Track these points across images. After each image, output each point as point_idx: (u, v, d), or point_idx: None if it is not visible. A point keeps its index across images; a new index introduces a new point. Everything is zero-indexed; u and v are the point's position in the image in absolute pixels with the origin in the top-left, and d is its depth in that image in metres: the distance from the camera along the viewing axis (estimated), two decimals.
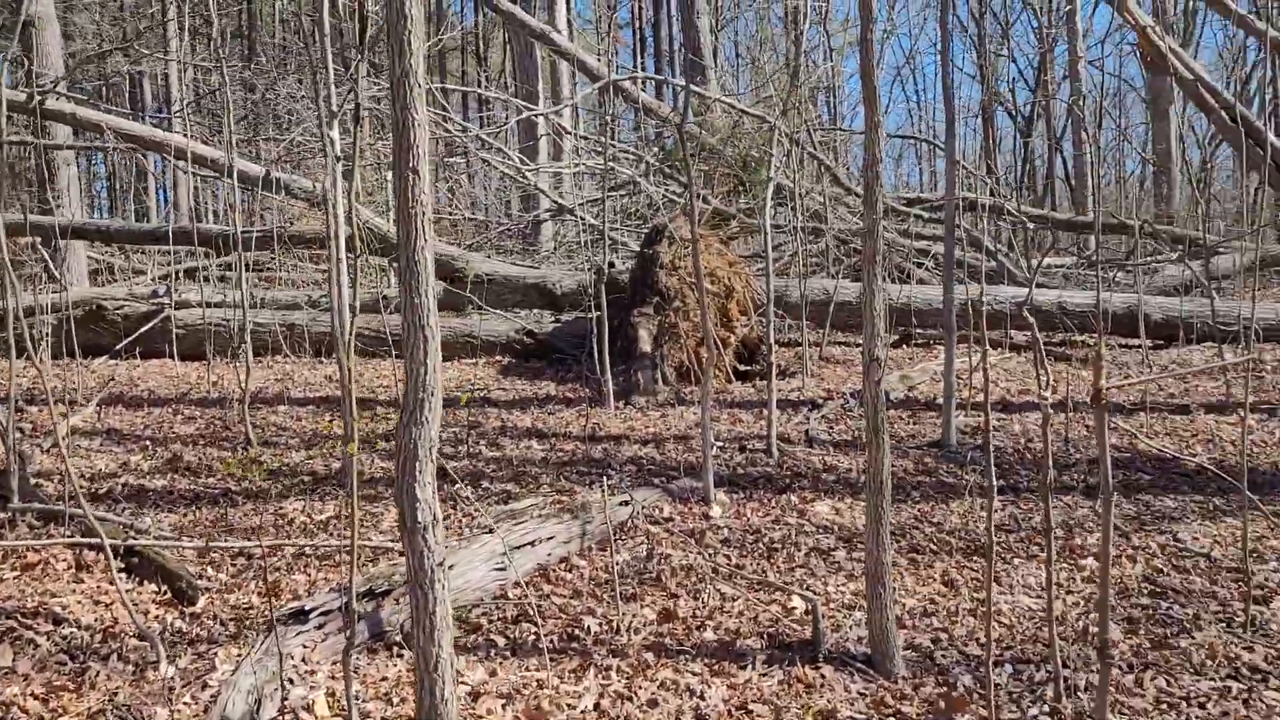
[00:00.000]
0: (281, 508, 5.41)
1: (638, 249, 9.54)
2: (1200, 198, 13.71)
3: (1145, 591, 4.40)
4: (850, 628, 4.00)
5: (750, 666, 3.65)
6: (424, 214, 2.74)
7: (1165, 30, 21.59)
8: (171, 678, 3.46)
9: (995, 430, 7.03)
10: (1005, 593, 4.39)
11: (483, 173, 15.54)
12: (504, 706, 3.34)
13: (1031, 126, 32.11)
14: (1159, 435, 6.97)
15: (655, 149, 14.22)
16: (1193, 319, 10.32)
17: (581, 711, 3.32)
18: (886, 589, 3.67)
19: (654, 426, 7.21)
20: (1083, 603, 4.28)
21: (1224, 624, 4.05)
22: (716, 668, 3.64)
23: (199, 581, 4.25)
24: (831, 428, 7.08)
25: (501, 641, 3.84)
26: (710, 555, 4.72)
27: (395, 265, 8.68)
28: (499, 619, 4.05)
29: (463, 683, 3.45)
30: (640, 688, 3.47)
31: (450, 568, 4.01)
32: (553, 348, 9.51)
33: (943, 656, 3.77)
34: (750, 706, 3.39)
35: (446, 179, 14.99)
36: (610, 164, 12.28)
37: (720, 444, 6.61)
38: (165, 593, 4.17)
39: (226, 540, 4.85)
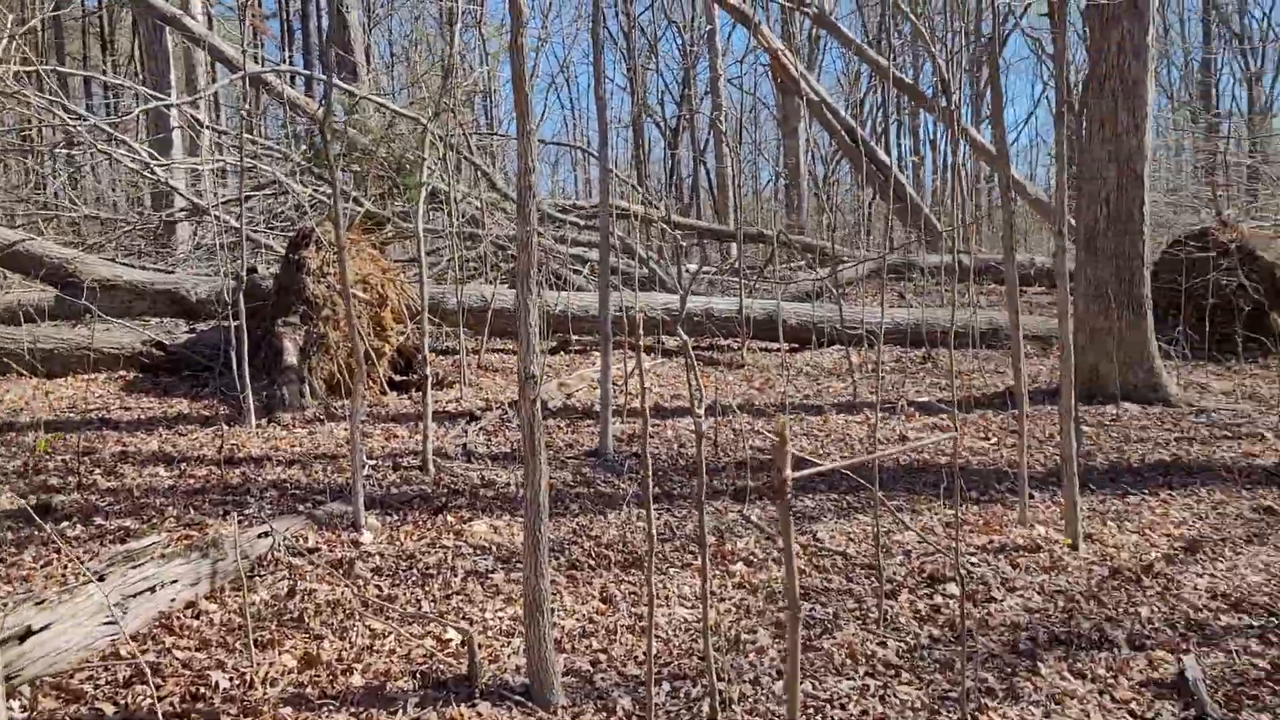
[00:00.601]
0: None
1: (284, 253, 8.93)
2: (825, 209, 14.80)
3: (804, 595, 4.55)
4: (509, 657, 3.83)
5: (401, 711, 3.39)
6: None
7: (794, 53, 23.26)
8: None
9: (650, 437, 7.14)
10: (662, 605, 4.40)
11: (112, 168, 14.08)
12: None
13: (678, 138, 33.62)
14: (797, 436, 7.36)
15: (304, 147, 13.46)
16: (824, 324, 11.10)
17: None
18: (545, 616, 3.54)
19: (300, 446, 6.72)
20: (735, 609, 4.37)
21: (860, 621, 4.27)
22: (364, 716, 3.35)
23: None
24: (490, 440, 6.91)
25: (110, 709, 3.34)
26: (360, 588, 4.40)
27: None
28: (108, 682, 3.53)
29: None
30: None
31: (44, 629, 3.46)
32: (187, 361, 8.69)
33: (602, 679, 3.69)
34: None
35: (58, 173, 13.43)
36: (252, 162, 11.47)
37: (373, 462, 6.26)
38: None
39: None
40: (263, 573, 4.56)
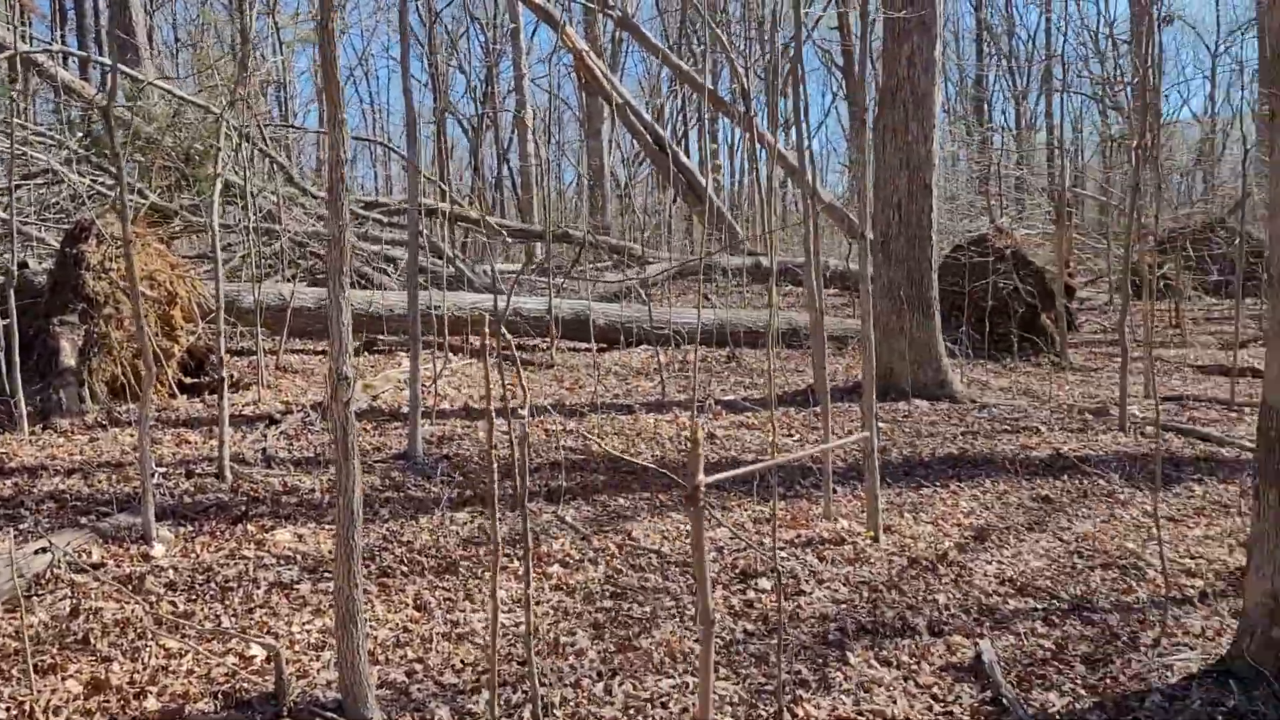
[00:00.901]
0: None
1: (57, 247, 8.28)
2: (627, 211, 14.96)
3: (608, 594, 4.55)
4: (319, 671, 3.66)
5: None
6: None
7: (598, 55, 23.42)
8: None
9: (460, 438, 7.01)
10: (478, 610, 4.31)
11: None
12: None
13: (480, 137, 33.27)
14: (610, 435, 7.39)
15: (80, 135, 12.57)
16: (631, 324, 11.20)
17: None
18: (359, 627, 3.39)
19: (81, 453, 6.24)
20: (553, 612, 4.32)
21: (678, 619, 4.30)
22: None
23: None
24: (292, 444, 6.61)
25: None
26: (152, 604, 4.11)
27: None
28: None
29: None
30: None
31: None
32: None
33: (419, 690, 3.58)
34: None
35: None
36: (23, 149, 10.61)
37: (164, 470, 5.88)
38: None
39: None
40: (41, 592, 4.20)
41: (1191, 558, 5.35)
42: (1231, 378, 9.96)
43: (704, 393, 9.03)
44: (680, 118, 33.12)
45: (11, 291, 6.69)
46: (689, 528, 5.51)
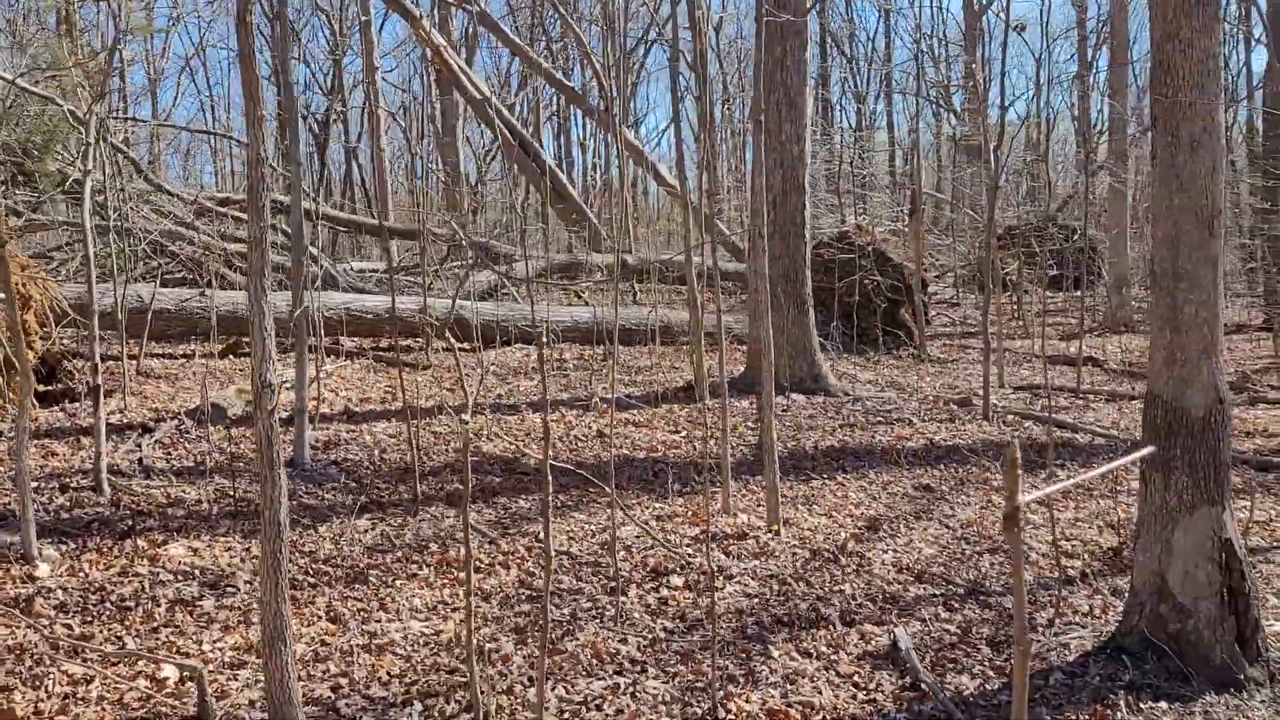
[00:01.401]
0: None
1: None
2: (480, 209, 14.84)
3: (524, 597, 4.52)
4: (240, 691, 3.52)
5: None
6: None
7: (453, 50, 23.10)
8: None
9: (347, 443, 6.83)
10: (395, 619, 4.22)
11: None
12: None
13: (327, 132, 32.33)
14: (498, 436, 7.32)
15: None
16: (507, 323, 11.10)
17: None
18: (287, 645, 3.27)
19: None
20: (472, 618, 4.25)
21: (598, 619, 4.30)
22: None
23: None
24: (170, 454, 6.31)
25: None
26: (47, 628, 3.87)
27: None
28: None
29: None
30: None
31: None
32: None
33: (347, 706, 3.48)
34: None
35: None
36: None
37: (34, 484, 5.53)
38: None
39: None
40: None
41: (1067, 539, 5.66)
42: (1077, 368, 10.56)
43: (587, 391, 9.04)
44: (530, 113, 32.94)
45: None
46: (593, 528, 5.52)
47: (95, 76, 11.46)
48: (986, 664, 4.04)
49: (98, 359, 5.52)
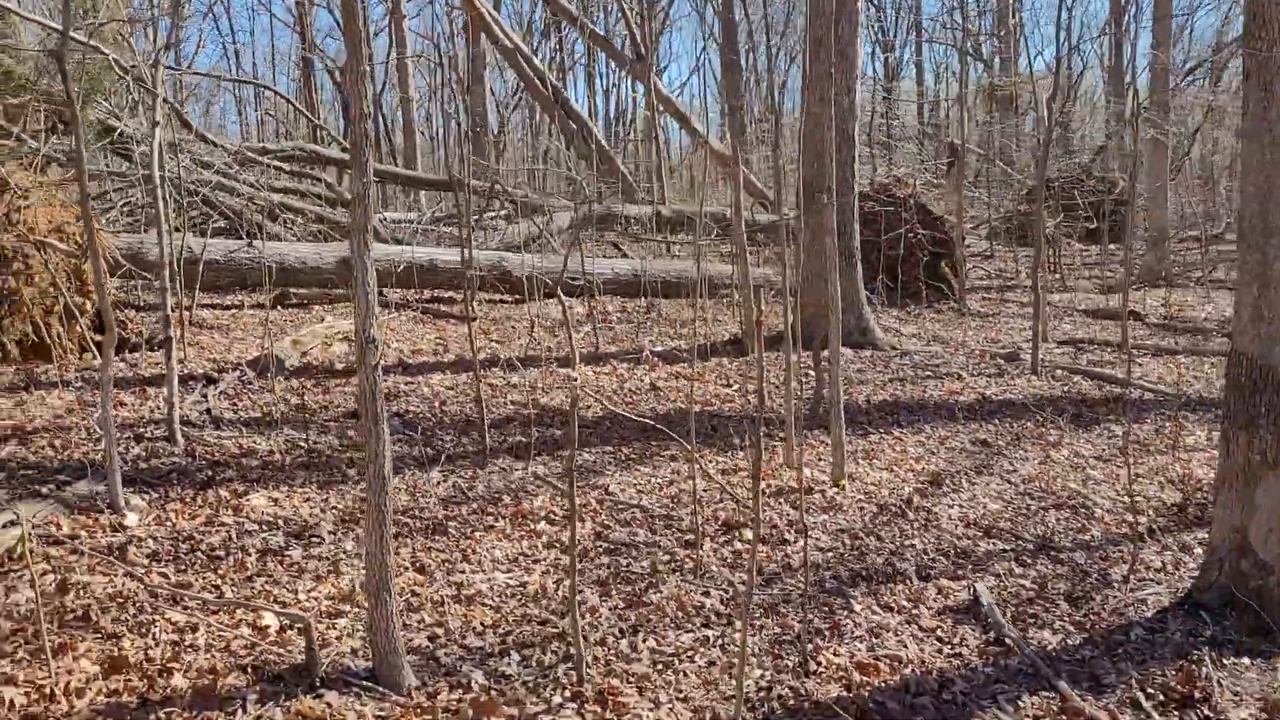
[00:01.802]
0: None
1: None
2: (501, 158, 14.75)
3: (602, 550, 4.57)
4: (339, 640, 3.58)
5: (241, 710, 3.09)
6: None
7: None
8: None
9: (406, 394, 6.88)
10: (478, 570, 4.28)
11: None
12: None
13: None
14: (552, 390, 7.35)
15: None
16: (548, 275, 11.09)
17: None
18: (392, 597, 3.33)
19: (10, 417, 5.89)
20: (554, 570, 4.31)
21: (677, 572, 4.35)
22: None
23: None
24: (235, 405, 6.37)
25: None
26: (144, 577, 3.94)
27: None
28: None
29: None
30: None
31: None
32: None
33: (446, 655, 3.54)
34: None
35: None
36: None
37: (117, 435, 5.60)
38: None
39: None
40: (16, 568, 3.98)
41: (1130, 496, 5.67)
42: (1123, 322, 10.49)
43: (632, 343, 9.06)
44: (557, 64, 32.67)
45: None
46: (658, 481, 5.56)
47: (139, 25, 11.42)
48: (1066, 619, 4.08)
49: (169, 311, 5.56)
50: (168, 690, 3.16)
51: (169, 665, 3.29)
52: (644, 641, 3.69)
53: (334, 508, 4.84)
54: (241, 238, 10.37)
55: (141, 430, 5.68)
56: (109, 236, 8.08)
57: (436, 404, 6.75)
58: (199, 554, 4.22)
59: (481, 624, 3.76)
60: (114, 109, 11.61)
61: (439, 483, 5.29)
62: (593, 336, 9.15)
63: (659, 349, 8.76)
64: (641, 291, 11.16)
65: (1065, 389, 8.18)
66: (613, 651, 3.61)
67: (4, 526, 4.09)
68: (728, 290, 11.08)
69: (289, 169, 12.69)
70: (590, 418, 6.68)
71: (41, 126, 11.97)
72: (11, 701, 3.02)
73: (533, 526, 4.76)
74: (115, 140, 11.23)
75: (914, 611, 4.08)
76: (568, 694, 3.28)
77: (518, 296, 10.95)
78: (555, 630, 3.72)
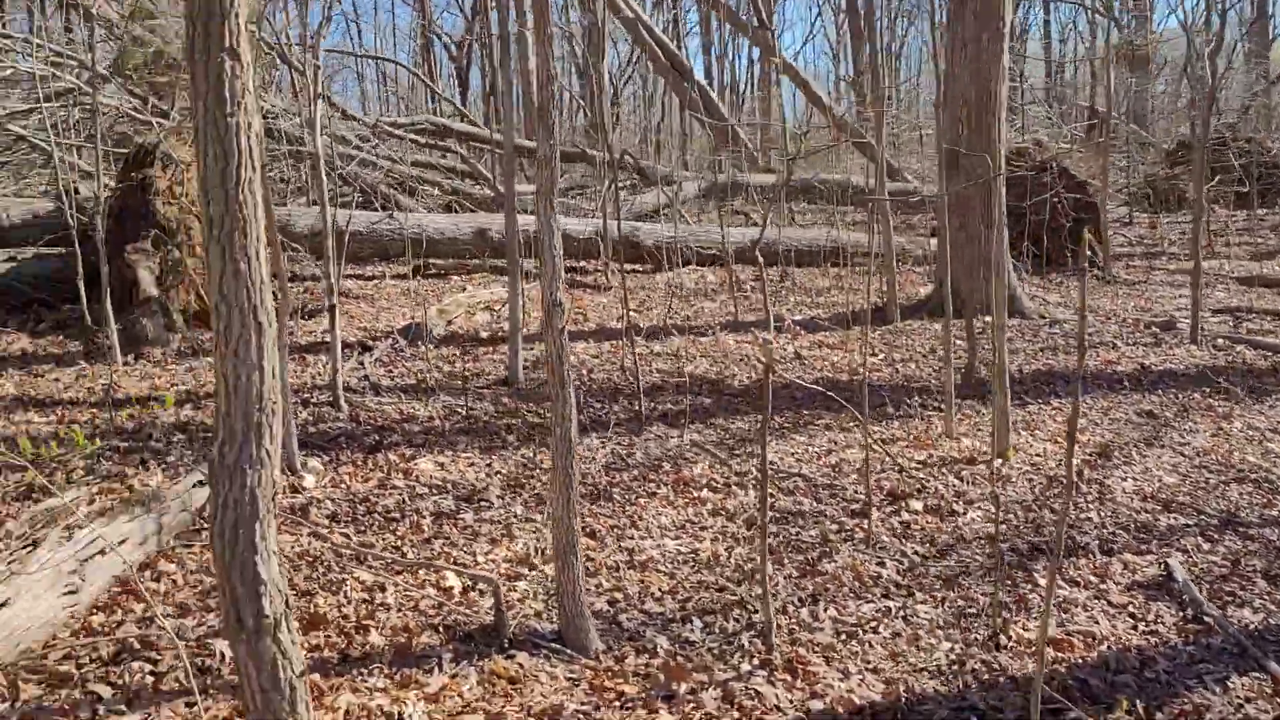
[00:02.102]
0: None
1: (118, 172, 8.00)
2: (617, 128, 14.66)
3: (770, 519, 4.51)
4: (522, 602, 3.61)
5: (438, 668, 3.14)
6: None
7: None
8: None
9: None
10: (647, 536, 4.27)
11: None
12: None
13: (465, 53, 32.22)
14: (696, 358, 7.31)
15: (116, 55, 12.13)
16: (679, 243, 11.05)
17: None
18: (578, 560, 3.34)
19: (184, 383, 6.11)
20: (722, 537, 4.28)
21: (849, 542, 4.27)
22: (400, 678, 3.07)
23: None
24: (390, 372, 6.50)
25: (108, 692, 2.92)
26: (327, 536, 4.04)
27: None
28: (93, 660, 3.09)
29: None
30: None
31: (2, 605, 2.99)
32: (10, 293, 7.71)
33: (627, 620, 3.54)
34: (461, 719, 2.90)
35: None
36: (49, 69, 10.24)
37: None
38: None
39: None
40: (207, 525, 4.12)
41: None
42: None
43: (771, 313, 8.96)
44: (672, 34, 32.44)
45: (100, 219, 6.48)
46: (815, 450, 5.48)
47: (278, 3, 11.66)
48: (1266, 597, 3.87)
49: (334, 280, 5.68)
50: (366, 647, 3.22)
51: (364, 623, 3.37)
52: (825, 611, 3.63)
53: (498, 473, 4.90)
54: (377, 209, 10.57)
55: (306, 396, 5.83)
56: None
57: (584, 372, 6.78)
58: (375, 516, 4.31)
59: (659, 590, 3.75)
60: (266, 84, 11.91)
61: (598, 449, 5.30)
62: (730, 305, 9.07)
63: (798, 318, 8.64)
64: (772, 260, 11.02)
65: (1229, 359, 7.79)
66: (794, 620, 3.56)
67: (194, 486, 4.23)
68: (863, 259, 10.87)
69: (423, 141, 12.87)
70: (736, 387, 6.62)
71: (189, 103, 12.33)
72: (220, 653, 3.12)
73: (696, 494, 4.73)
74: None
75: (1101, 587, 3.93)
76: (755, 662, 3.25)
77: (649, 266, 10.93)
78: (734, 598, 3.69)
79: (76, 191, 8.07)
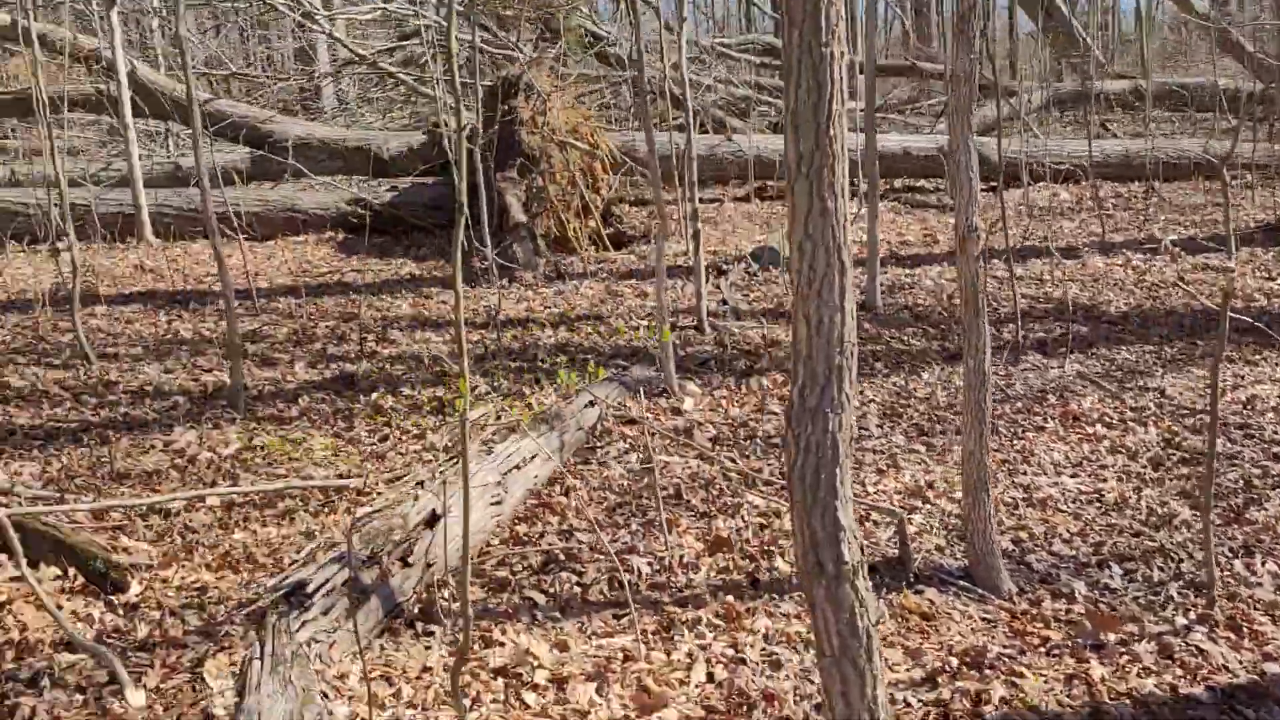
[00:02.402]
0: (170, 439, 4.36)
1: (482, 104, 8.45)
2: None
3: (1177, 459, 4.16)
4: (919, 536, 3.53)
5: None
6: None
7: None
8: (149, 709, 2.55)
9: (910, 287, 6.71)
10: (1041, 474, 4.05)
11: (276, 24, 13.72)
12: (599, 692, 2.66)
13: None
14: (1063, 282, 6.86)
15: None
16: (1027, 159, 10.35)
17: (696, 686, 2.70)
18: (990, 497, 3.21)
19: (554, 305, 6.44)
20: (1127, 477, 3.99)
21: (1277, 489, 3.87)
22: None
23: (117, 557, 3.25)
24: (748, 296, 6.54)
25: (541, 599, 3.12)
26: (718, 458, 4.12)
27: (188, 128, 7.32)
28: (524, 568, 3.32)
29: (540, 665, 2.74)
30: (747, 645, 2.86)
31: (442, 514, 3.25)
32: (395, 220, 8.40)
33: (1037, 561, 3.38)
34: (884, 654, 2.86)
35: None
36: (416, 9, 10.93)
37: (644, 323, 5.95)
38: (76, 579, 3.15)
39: (130, 494, 3.81)
40: (597, 444, 4.31)
41: None
42: None
43: (1139, 231, 8.26)
44: None
45: (476, 148, 6.89)
46: (1221, 384, 4.98)
47: None
48: None
49: (696, 203, 5.73)
50: (774, 573, 3.26)
51: (767, 549, 3.40)
52: (1262, 565, 3.31)
53: (871, 400, 4.81)
54: (709, 133, 10.60)
55: (672, 320, 5.95)
56: (609, 135, 8.52)
57: (943, 296, 6.52)
58: (757, 441, 4.34)
59: (1067, 531, 3.55)
60: (593, 15, 12.24)
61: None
62: (1091, 225, 8.44)
63: (1173, 238, 7.89)
64: (1135, 175, 10.13)
65: None
66: (1227, 573, 3.26)
67: (586, 406, 4.43)
68: (1239, 171, 9.77)
69: (757, 61, 12.76)
70: (1114, 313, 6.15)
71: (531, 36, 12.87)
72: (638, 568, 3.25)
73: (1088, 429, 4.43)
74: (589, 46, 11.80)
75: None
76: (1193, 616, 3.00)
77: (993, 184, 10.33)
78: (1153, 544, 3.43)
79: (446, 125, 8.61)
